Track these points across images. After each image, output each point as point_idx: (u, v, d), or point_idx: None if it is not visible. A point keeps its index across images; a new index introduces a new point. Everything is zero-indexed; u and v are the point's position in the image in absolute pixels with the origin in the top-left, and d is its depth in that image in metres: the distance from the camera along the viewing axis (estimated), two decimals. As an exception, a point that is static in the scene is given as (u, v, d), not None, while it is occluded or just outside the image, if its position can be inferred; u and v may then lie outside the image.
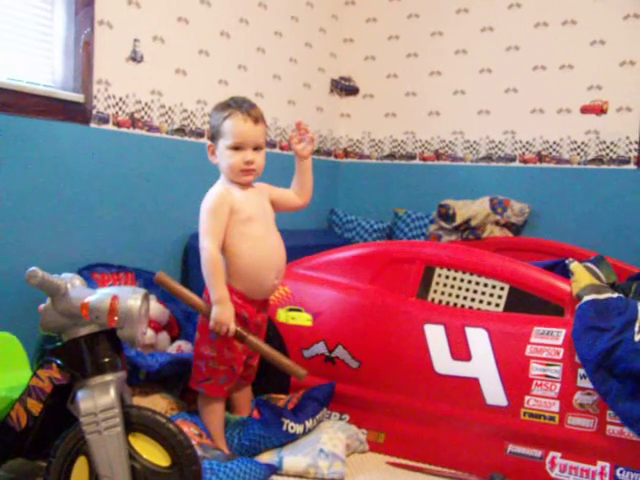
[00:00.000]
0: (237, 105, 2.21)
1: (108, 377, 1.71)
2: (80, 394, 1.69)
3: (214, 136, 2.24)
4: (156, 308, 2.84)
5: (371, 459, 2.43)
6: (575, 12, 3.91)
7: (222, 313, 2.12)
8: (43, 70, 2.81)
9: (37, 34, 2.76)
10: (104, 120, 2.97)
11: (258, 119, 2.22)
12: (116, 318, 1.69)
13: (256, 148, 2.22)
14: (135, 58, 3.08)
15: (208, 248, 2.13)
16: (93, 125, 2.93)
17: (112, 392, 1.68)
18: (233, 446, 2.30)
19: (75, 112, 2.84)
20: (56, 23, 2.82)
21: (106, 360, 1.73)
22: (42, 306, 1.74)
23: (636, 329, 2.07)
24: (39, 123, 2.68)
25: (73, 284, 1.77)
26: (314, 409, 2.41)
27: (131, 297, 1.72)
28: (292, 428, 2.33)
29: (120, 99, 3.04)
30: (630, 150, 3.78)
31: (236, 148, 2.19)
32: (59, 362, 1.74)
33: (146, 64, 3.14)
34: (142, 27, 3.11)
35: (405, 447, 2.44)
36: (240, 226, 2.20)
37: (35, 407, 1.78)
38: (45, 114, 2.71)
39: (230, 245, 2.21)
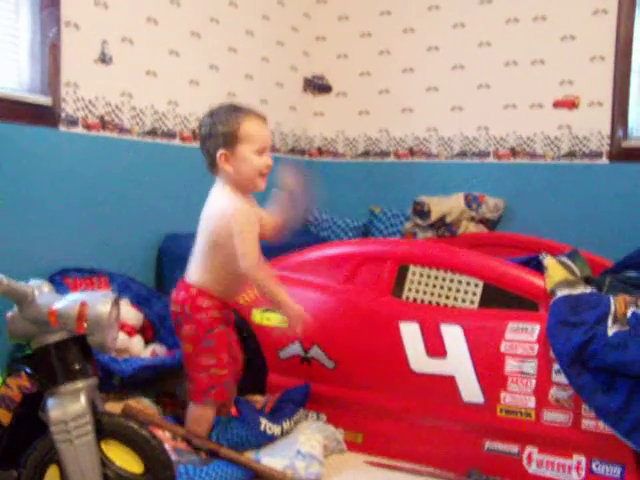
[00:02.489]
0: (248, 109, 2.19)
1: (79, 384, 1.68)
2: (50, 402, 1.66)
3: (227, 142, 2.14)
4: (130, 312, 2.81)
5: (349, 459, 2.42)
6: (545, 8, 3.93)
7: (299, 308, 2.15)
8: (9, 73, 2.76)
9: (1, 36, 2.72)
10: (73, 123, 2.94)
11: (266, 119, 2.22)
12: (85, 324, 1.66)
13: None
14: (104, 59, 3.05)
15: (254, 262, 2.11)
16: (62, 128, 2.89)
17: (83, 400, 1.66)
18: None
19: (43, 115, 2.81)
20: (21, 25, 2.78)
21: (76, 367, 1.70)
22: (9, 313, 1.70)
23: (609, 323, 2.08)
24: (6, 127, 2.65)
25: (41, 291, 1.73)
26: (290, 411, 2.41)
27: (100, 302, 1.69)
28: (270, 429, 2.32)
29: (89, 101, 3.01)
30: (602, 144, 3.81)
31: (259, 153, 2.16)
32: (28, 370, 1.71)
33: (115, 65, 3.11)
34: (110, 28, 3.07)
35: (383, 446, 2.43)
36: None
37: (5, 417, 1.74)
38: (12, 117, 2.67)
39: (223, 258, 2.17)
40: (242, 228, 2.11)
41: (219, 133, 2.15)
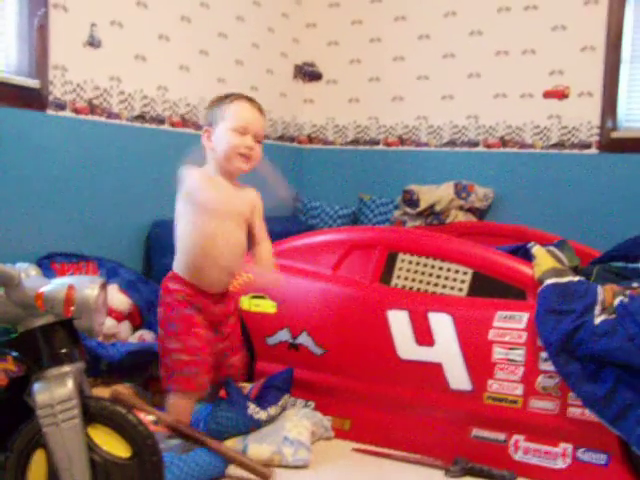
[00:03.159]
0: (240, 94, 2.22)
1: (65, 368, 1.66)
2: (37, 386, 1.64)
3: (212, 121, 2.19)
4: (118, 297, 2.80)
5: (337, 446, 2.42)
6: (537, -3, 3.93)
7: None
8: (-4, 55, 2.74)
9: (-11, 18, 2.70)
10: (61, 107, 2.91)
11: (261, 110, 2.22)
12: (72, 308, 1.65)
13: (257, 140, 2.19)
14: (93, 43, 3.02)
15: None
16: (50, 112, 2.87)
17: (69, 383, 1.64)
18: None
19: (31, 98, 2.78)
20: (8, 5, 2.75)
21: (63, 351, 1.68)
22: (-5, 297, 1.69)
23: (596, 312, 2.09)
24: (-7, 110, 2.63)
25: (28, 274, 1.72)
26: (275, 396, 2.41)
27: (88, 286, 1.67)
28: (257, 413, 2.32)
29: (78, 85, 2.98)
30: (591, 135, 3.82)
31: (239, 132, 2.14)
32: (15, 354, 1.70)
33: (104, 49, 3.09)
34: (99, 11, 3.05)
35: (370, 433, 2.44)
36: (198, 215, 2.15)
37: (-10, 400, 1.74)
38: (-1, 100, 2.65)
39: (183, 234, 2.19)
40: (189, 175, 2.13)
41: (209, 115, 2.22)
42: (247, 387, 2.48)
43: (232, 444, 2.24)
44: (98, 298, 1.68)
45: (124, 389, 2.40)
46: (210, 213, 2.14)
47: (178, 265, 2.22)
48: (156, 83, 3.41)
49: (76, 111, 2.98)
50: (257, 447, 2.22)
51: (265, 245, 2.26)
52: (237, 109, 2.17)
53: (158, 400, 2.45)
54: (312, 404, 2.54)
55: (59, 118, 2.90)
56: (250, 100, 2.21)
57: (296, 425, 2.31)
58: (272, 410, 2.36)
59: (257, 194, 2.29)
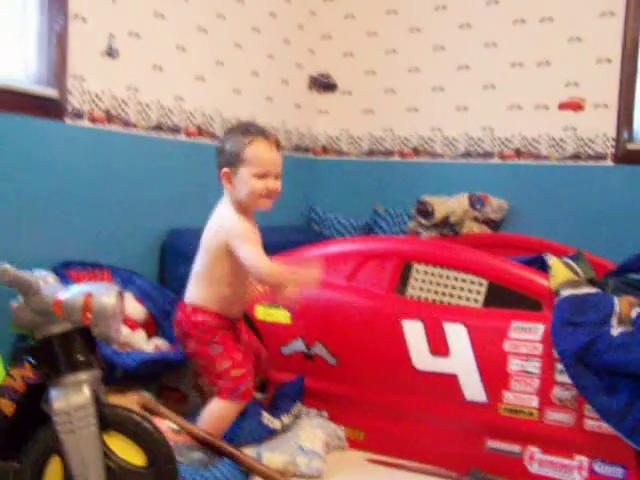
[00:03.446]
0: (258, 131, 2.19)
1: (82, 375, 1.68)
2: (53, 393, 1.66)
3: (231, 162, 2.16)
4: (133, 306, 2.80)
5: (351, 456, 2.42)
6: (552, 9, 3.92)
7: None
8: (16, 64, 2.76)
9: (9, 27, 2.72)
10: (79, 116, 2.93)
11: (278, 144, 2.22)
12: (90, 315, 1.66)
13: (277, 177, 2.20)
14: (111, 53, 3.04)
15: (268, 266, 2.10)
16: (68, 121, 2.89)
17: (86, 391, 1.66)
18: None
19: (49, 108, 2.80)
20: (29, 17, 2.77)
21: (80, 358, 1.69)
22: (14, 304, 1.70)
23: (613, 324, 2.08)
24: (12, 118, 2.63)
25: (46, 281, 1.73)
26: (287, 405, 2.42)
27: (105, 294, 1.68)
28: (271, 422, 2.32)
29: (96, 95, 3.00)
30: (607, 147, 3.80)
31: (261, 177, 2.15)
32: (32, 361, 1.71)
33: (122, 59, 3.10)
34: (117, 22, 3.07)
35: (384, 444, 2.43)
36: (237, 264, 2.16)
37: (8, 407, 1.74)
38: (18, 109, 2.66)
39: (219, 276, 2.20)
40: (244, 239, 2.13)
41: (226, 151, 2.18)
42: (259, 397, 2.48)
43: (246, 453, 2.23)
44: (115, 306, 1.69)
45: (141, 397, 2.41)
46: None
47: (201, 299, 2.22)
48: (173, 93, 3.43)
49: (94, 120, 3.00)
50: (271, 456, 2.22)
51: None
52: (256, 152, 2.14)
53: (172, 408, 2.45)
54: (325, 414, 2.54)
55: (77, 127, 2.92)
56: (267, 138, 2.18)
57: (309, 435, 2.32)
58: (285, 419, 2.36)
59: None
